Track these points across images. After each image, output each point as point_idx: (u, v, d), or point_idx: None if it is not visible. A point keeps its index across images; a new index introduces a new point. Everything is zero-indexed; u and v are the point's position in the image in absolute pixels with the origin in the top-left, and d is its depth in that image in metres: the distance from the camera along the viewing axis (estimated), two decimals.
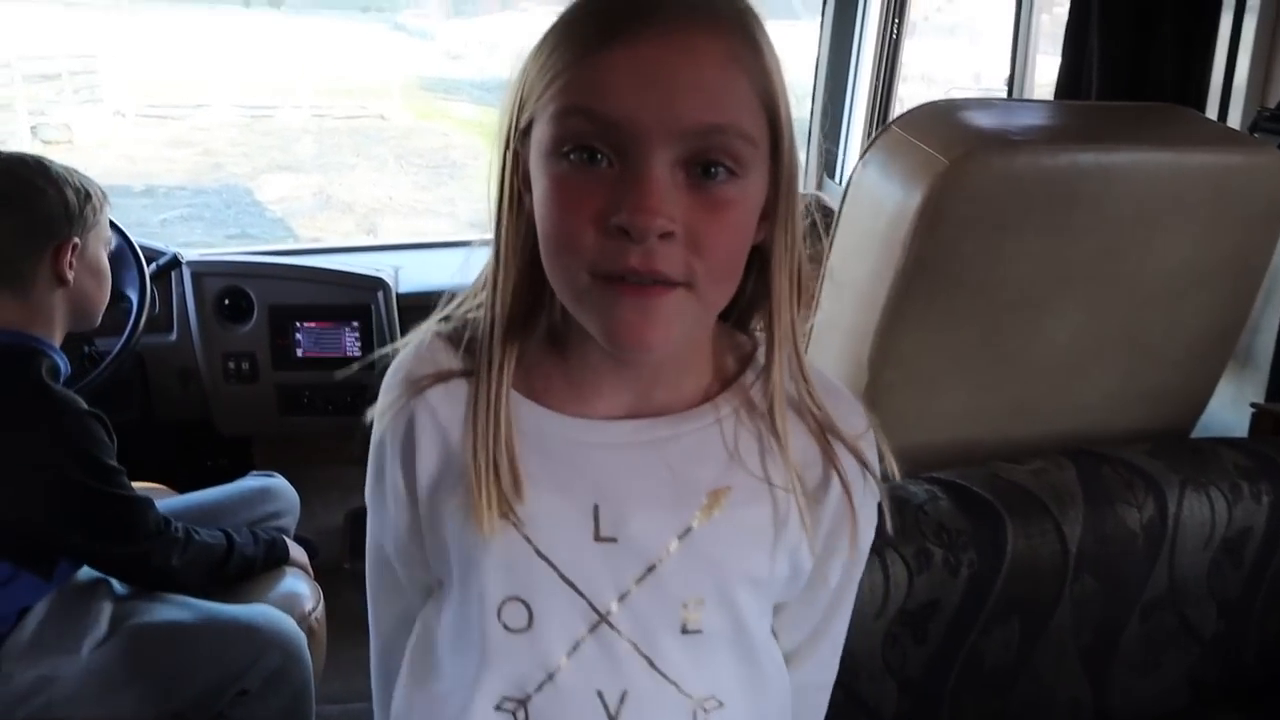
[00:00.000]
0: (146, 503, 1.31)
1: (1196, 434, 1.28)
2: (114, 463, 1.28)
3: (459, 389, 0.66)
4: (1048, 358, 1.14)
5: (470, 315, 0.68)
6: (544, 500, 0.64)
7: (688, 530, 0.66)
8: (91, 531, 1.28)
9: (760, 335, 0.70)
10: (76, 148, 7.94)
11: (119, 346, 1.67)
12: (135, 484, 1.68)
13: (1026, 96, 1.93)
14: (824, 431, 0.68)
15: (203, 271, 2.00)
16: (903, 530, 1.00)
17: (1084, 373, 1.17)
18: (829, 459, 0.69)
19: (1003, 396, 1.16)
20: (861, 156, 1.07)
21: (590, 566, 0.65)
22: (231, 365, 2.02)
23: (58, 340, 1.36)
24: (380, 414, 0.68)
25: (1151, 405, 1.24)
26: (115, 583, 1.38)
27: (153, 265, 1.83)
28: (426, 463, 0.67)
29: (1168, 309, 1.14)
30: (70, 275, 1.35)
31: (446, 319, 0.69)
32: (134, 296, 1.70)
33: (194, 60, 9.68)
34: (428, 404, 0.67)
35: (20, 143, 7.69)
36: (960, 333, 1.08)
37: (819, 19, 2.38)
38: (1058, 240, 1.04)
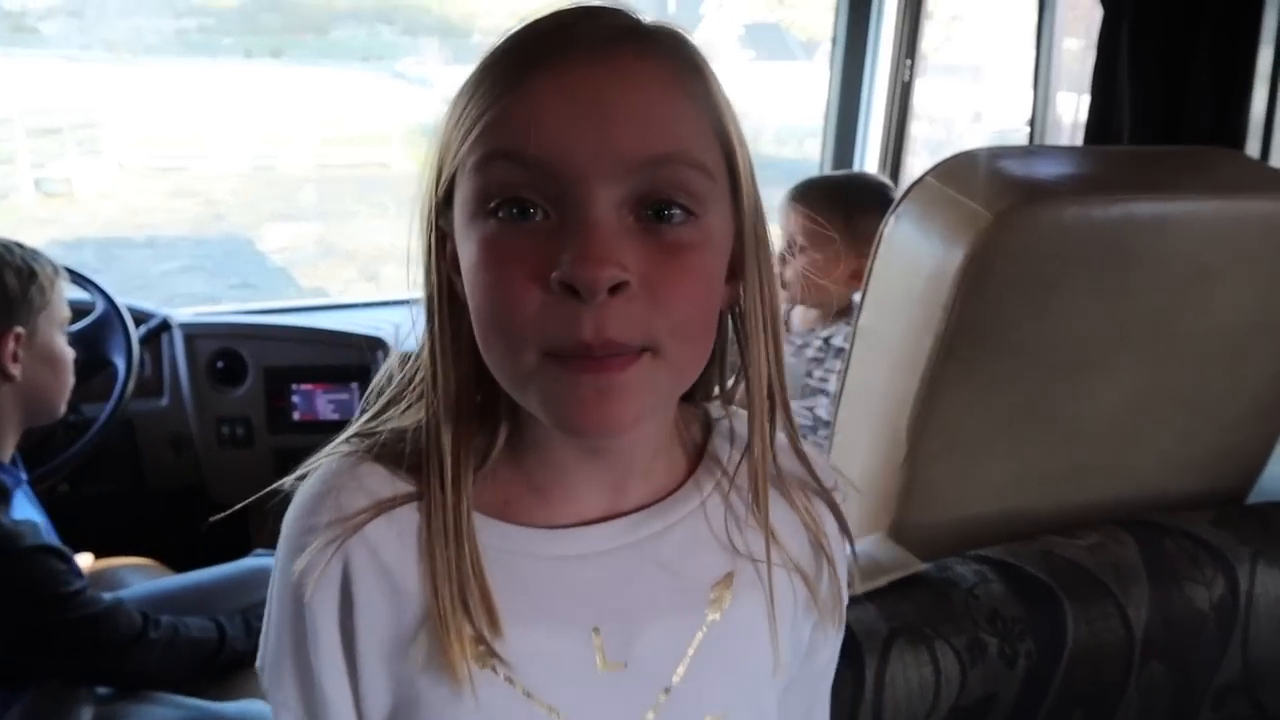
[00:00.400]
0: (114, 612, 1.21)
1: (1254, 496, 1.19)
2: (71, 587, 1.17)
3: (405, 519, 0.55)
4: (1099, 421, 1.05)
5: (393, 427, 0.57)
6: (530, 634, 0.54)
7: (701, 632, 0.58)
8: (58, 656, 1.18)
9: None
10: (78, 200, 7.92)
11: (105, 414, 1.59)
12: (125, 559, 1.60)
13: (1050, 137, 1.87)
14: (806, 497, 0.62)
15: (195, 333, 1.93)
16: (952, 617, 0.91)
17: (1137, 436, 1.09)
18: (813, 527, 0.62)
19: (1051, 463, 1.07)
20: (893, 210, 0.99)
21: (600, 702, 0.56)
22: (225, 430, 1.94)
23: (9, 445, 1.25)
24: (295, 572, 0.54)
25: (1209, 467, 1.15)
26: None
27: (141, 329, 1.76)
28: (371, 618, 0.54)
29: (1228, 365, 1.06)
30: (15, 369, 1.23)
31: (362, 435, 0.58)
32: (121, 363, 1.62)
33: (196, 111, 9.72)
34: (366, 544, 0.54)
35: (24, 196, 7.69)
36: (1006, 397, 1.00)
37: (818, 59, 2.33)
38: (1110, 297, 0.96)
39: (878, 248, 1.04)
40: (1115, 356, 1.01)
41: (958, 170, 0.97)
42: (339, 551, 0.54)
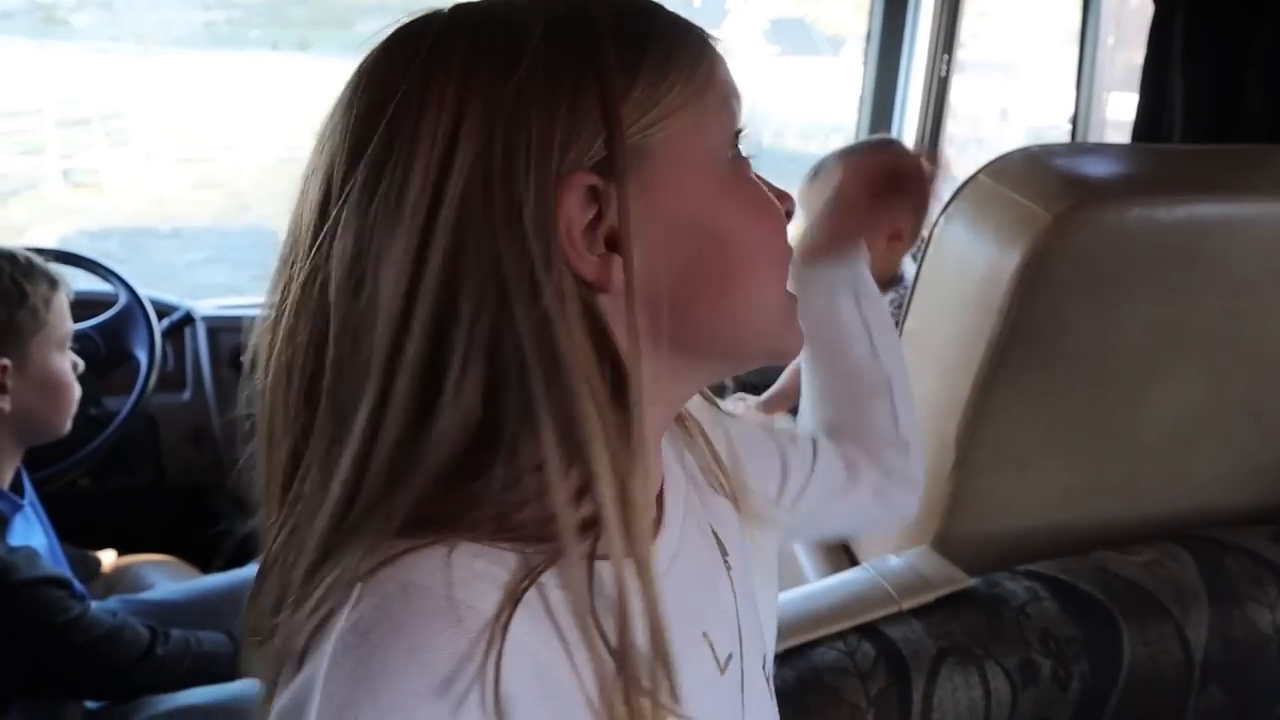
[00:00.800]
0: (119, 632, 1.16)
1: None
2: (71, 614, 1.11)
3: (529, 598, 0.40)
4: (1156, 432, 1.01)
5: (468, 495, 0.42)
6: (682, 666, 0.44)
7: (733, 594, 0.56)
8: (64, 681, 1.15)
9: None
10: (105, 191, 7.96)
11: (126, 409, 1.57)
12: (147, 556, 1.57)
13: (1093, 135, 1.82)
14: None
15: (218, 326, 1.90)
16: (1003, 636, 0.87)
17: (1195, 447, 1.04)
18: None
19: (1104, 475, 1.03)
20: (944, 210, 0.95)
21: (724, 704, 0.52)
22: (248, 425, 1.91)
23: (7, 471, 1.19)
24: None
25: (1267, 479, 1.10)
26: None
27: (164, 322, 1.73)
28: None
29: None
30: (4, 402, 1.16)
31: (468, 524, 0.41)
32: (143, 357, 1.60)
33: (223, 103, 9.76)
34: (516, 643, 0.38)
35: (52, 186, 7.74)
36: (1060, 406, 0.96)
37: (843, 55, 2.28)
38: (1172, 302, 0.91)
39: (926, 247, 0.99)
40: (1174, 364, 0.97)
41: (1013, 168, 0.92)
42: (483, 668, 0.37)
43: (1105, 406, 0.97)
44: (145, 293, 1.67)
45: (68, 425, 1.28)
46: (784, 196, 0.51)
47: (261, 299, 0.46)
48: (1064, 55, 1.93)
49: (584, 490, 0.41)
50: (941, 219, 0.96)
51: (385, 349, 0.40)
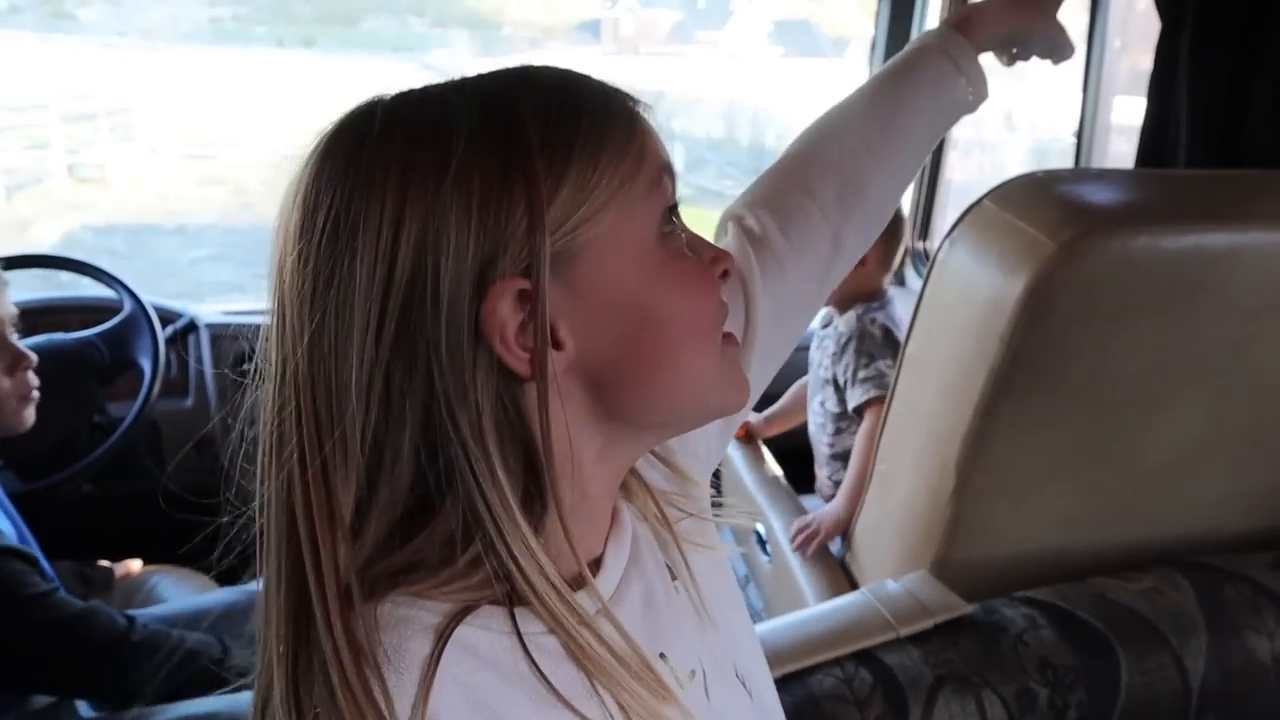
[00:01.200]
0: (90, 614, 1.13)
1: None
2: (36, 589, 1.10)
3: (464, 639, 0.45)
4: (1157, 458, 1.01)
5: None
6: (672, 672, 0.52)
7: (687, 605, 0.57)
8: (29, 664, 1.11)
9: None
10: (110, 186, 7.97)
11: (130, 417, 1.57)
12: (163, 567, 1.56)
13: (1099, 141, 1.81)
14: None
15: (221, 334, 1.91)
16: (1000, 664, 0.87)
17: (1196, 474, 1.04)
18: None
19: (1105, 501, 1.03)
20: (949, 234, 0.95)
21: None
22: (251, 434, 1.91)
23: None
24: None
25: (1265, 506, 1.10)
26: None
27: (168, 329, 1.74)
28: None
29: None
30: None
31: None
32: (147, 365, 1.60)
33: (228, 100, 9.76)
34: (451, 678, 0.44)
35: (57, 180, 7.74)
36: (1061, 433, 0.96)
37: (847, 56, 2.27)
38: (1176, 331, 0.91)
39: (930, 270, 0.99)
40: (1177, 392, 0.97)
41: (1018, 195, 0.92)
42: (430, 671, 0.44)
43: (1107, 434, 0.97)
44: (149, 299, 1.68)
45: (29, 416, 1.26)
46: (719, 258, 0.52)
47: (263, 303, 0.49)
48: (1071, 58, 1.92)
49: (495, 549, 0.45)
50: (946, 243, 0.96)
51: (343, 430, 0.45)
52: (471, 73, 0.49)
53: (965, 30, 0.78)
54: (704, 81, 9.58)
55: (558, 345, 0.47)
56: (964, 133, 2.36)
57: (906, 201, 2.30)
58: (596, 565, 0.52)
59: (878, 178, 0.75)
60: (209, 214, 7.79)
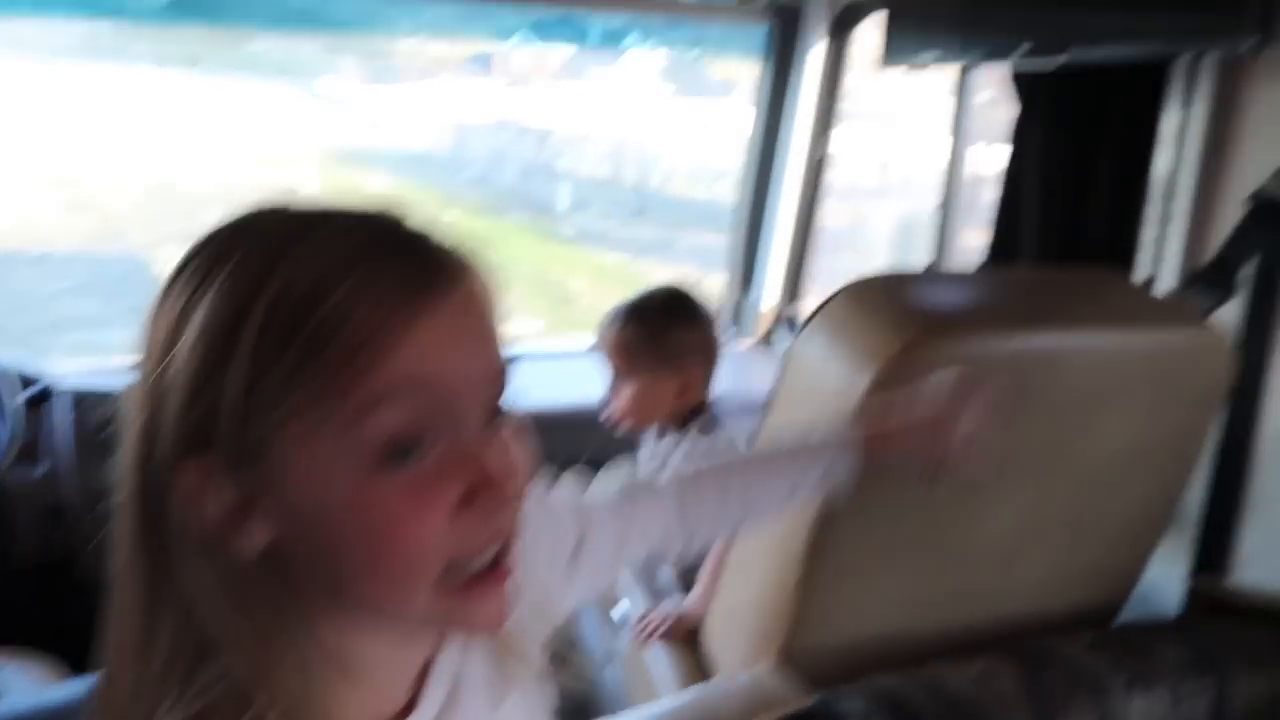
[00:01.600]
0: None
1: (1132, 607, 1.24)
2: None
3: None
4: (988, 543, 1.08)
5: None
6: None
7: None
8: None
9: None
10: None
11: None
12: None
13: (965, 190, 1.92)
14: None
15: (83, 399, 1.81)
16: None
17: (1023, 555, 1.11)
18: None
19: (940, 584, 1.09)
20: (804, 325, 1.01)
21: None
22: (109, 503, 1.82)
23: None
24: None
25: (1089, 582, 1.19)
26: None
27: (21, 396, 1.66)
28: None
29: (1110, 489, 1.10)
30: None
31: None
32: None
33: (100, 120, 9.36)
34: None
35: None
36: (899, 524, 1.02)
37: (734, 96, 2.34)
38: (1003, 426, 0.98)
39: (786, 363, 1.05)
40: (1004, 482, 1.04)
41: (867, 295, 0.99)
42: None
43: (940, 522, 1.04)
44: (2, 363, 1.60)
45: None
46: (485, 484, 0.49)
47: (126, 358, 0.51)
48: (942, 107, 2.00)
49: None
50: (803, 333, 1.02)
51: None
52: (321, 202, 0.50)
53: (875, 452, 0.86)
54: (592, 118, 9.68)
55: (246, 528, 0.47)
56: (840, 178, 2.46)
57: (780, 263, 2.39)
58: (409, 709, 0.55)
59: (731, 527, 0.91)
60: (75, 242, 7.43)
